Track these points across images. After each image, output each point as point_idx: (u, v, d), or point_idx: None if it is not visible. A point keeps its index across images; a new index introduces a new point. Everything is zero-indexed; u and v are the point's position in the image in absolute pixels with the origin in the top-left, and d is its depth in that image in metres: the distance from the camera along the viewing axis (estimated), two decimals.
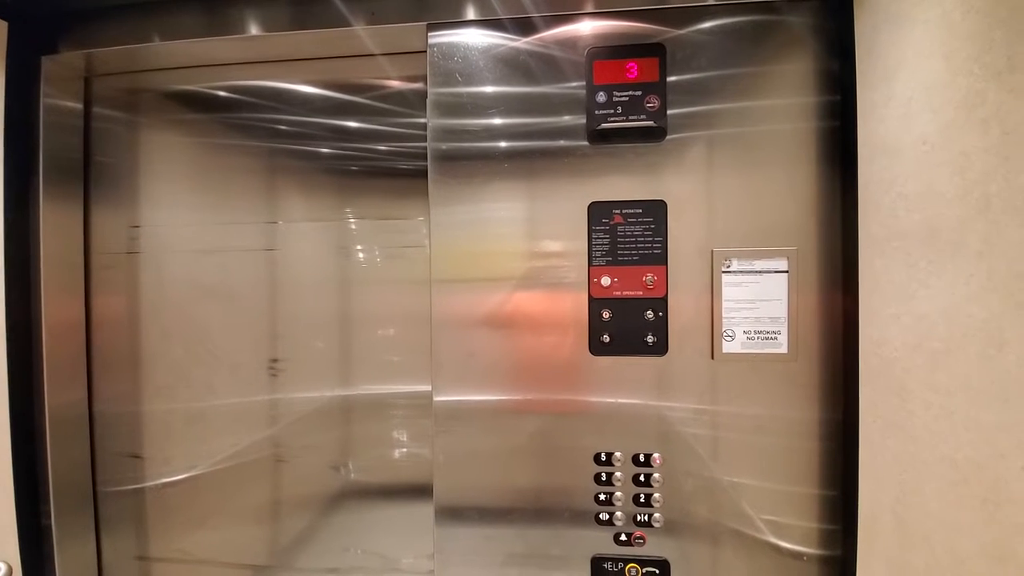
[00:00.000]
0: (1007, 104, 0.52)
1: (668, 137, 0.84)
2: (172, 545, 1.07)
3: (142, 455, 1.07)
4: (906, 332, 0.66)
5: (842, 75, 0.80)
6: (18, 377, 0.95)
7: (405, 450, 1.03)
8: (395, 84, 1.00)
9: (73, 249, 1.03)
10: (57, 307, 0.99)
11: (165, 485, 1.07)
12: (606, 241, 0.85)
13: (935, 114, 0.61)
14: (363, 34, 0.89)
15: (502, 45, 0.86)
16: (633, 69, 0.83)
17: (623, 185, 0.85)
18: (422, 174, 0.89)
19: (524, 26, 0.86)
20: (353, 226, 1.03)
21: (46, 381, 0.97)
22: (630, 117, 0.83)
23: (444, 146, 0.87)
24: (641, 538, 0.85)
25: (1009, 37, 0.52)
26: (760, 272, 0.82)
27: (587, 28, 0.85)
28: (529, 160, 0.86)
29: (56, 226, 0.99)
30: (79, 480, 1.05)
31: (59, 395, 1.00)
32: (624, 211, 0.85)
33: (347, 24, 0.87)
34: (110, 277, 1.06)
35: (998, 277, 0.53)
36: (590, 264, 0.85)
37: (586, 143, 0.85)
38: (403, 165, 1.01)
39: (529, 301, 0.87)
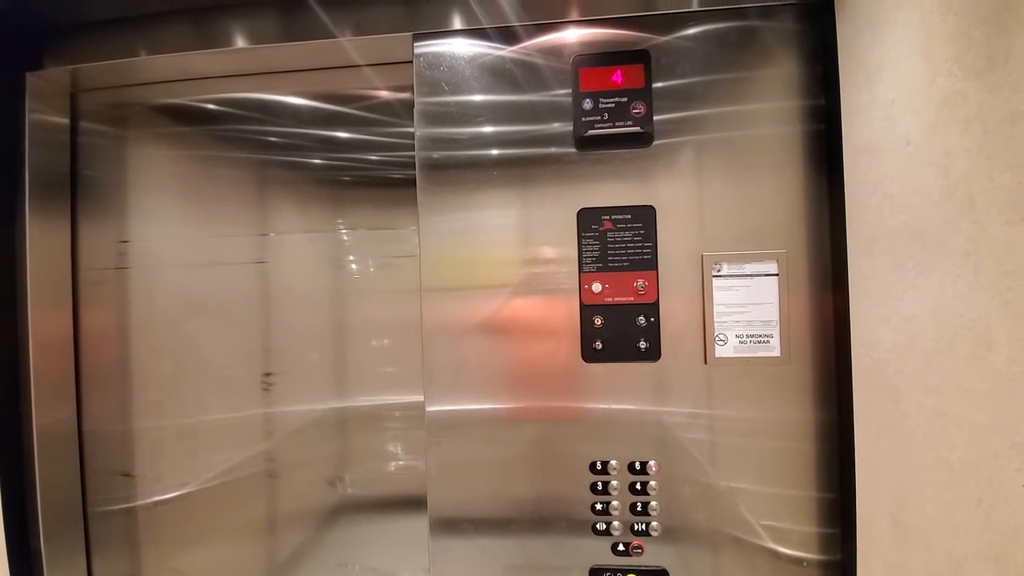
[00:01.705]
0: (988, 103, 0.52)
1: (655, 143, 0.84)
2: (166, 564, 1.06)
3: (133, 473, 1.06)
4: (896, 333, 0.66)
5: (825, 79, 0.81)
6: (5, 396, 0.94)
7: (401, 462, 1.02)
8: (383, 94, 1.00)
9: (60, 265, 1.03)
10: (45, 324, 0.98)
11: (157, 503, 1.05)
12: (596, 247, 0.85)
13: (917, 115, 0.62)
14: (349, 45, 0.89)
15: (488, 54, 0.86)
16: (618, 76, 0.84)
17: (612, 191, 0.85)
18: (413, 183, 0.89)
19: (510, 35, 0.86)
20: (345, 237, 1.03)
21: (34, 399, 0.95)
22: (617, 123, 0.84)
23: (433, 155, 0.87)
24: (639, 547, 0.84)
25: (988, 36, 0.52)
26: (750, 276, 0.82)
27: (572, 36, 0.85)
28: (517, 168, 0.86)
29: (43, 242, 0.98)
30: (69, 500, 1.03)
31: (47, 413, 0.98)
32: (613, 217, 0.85)
33: (333, 36, 0.88)
34: (99, 293, 1.05)
35: (985, 276, 0.53)
36: (580, 271, 0.85)
37: (574, 150, 0.85)
38: (394, 175, 1.01)
39: (520, 309, 0.87)
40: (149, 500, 1.06)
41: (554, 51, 0.85)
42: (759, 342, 0.82)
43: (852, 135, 0.74)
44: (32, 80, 0.96)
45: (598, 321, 0.85)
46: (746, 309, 0.82)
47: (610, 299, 0.84)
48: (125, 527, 1.06)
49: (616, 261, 0.84)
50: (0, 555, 0.92)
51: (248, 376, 1.03)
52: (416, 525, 0.99)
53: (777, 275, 0.81)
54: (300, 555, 1.04)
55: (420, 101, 0.87)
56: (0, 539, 0.92)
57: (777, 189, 0.82)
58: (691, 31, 0.83)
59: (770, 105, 0.82)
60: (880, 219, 0.68)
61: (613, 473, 0.85)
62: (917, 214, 0.62)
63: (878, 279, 0.69)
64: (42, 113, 0.99)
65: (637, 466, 0.84)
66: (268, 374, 1.03)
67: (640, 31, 0.84)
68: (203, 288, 1.04)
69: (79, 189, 1.05)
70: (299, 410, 1.03)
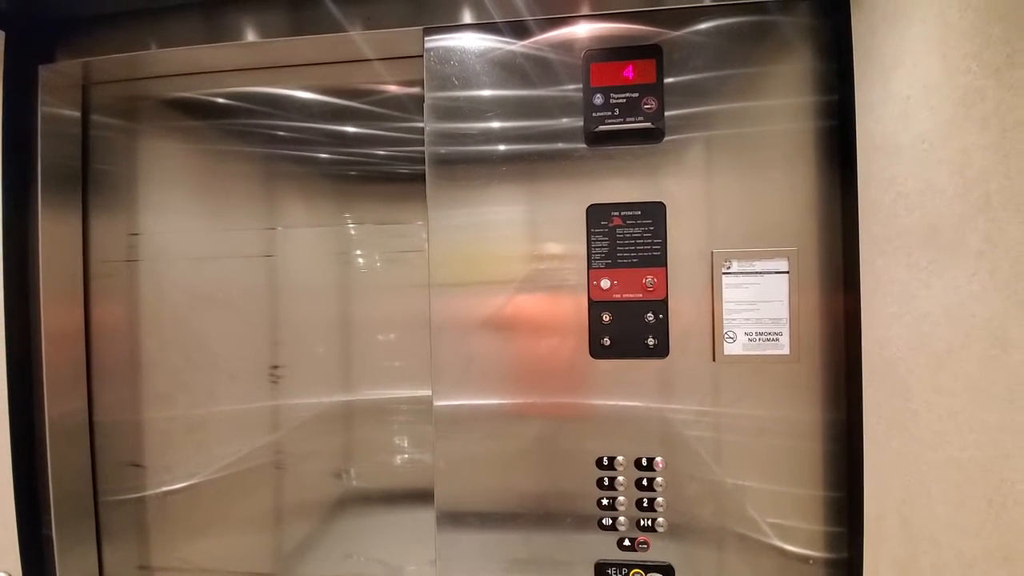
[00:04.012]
0: (1007, 101, 0.52)
1: (666, 139, 0.83)
2: (174, 554, 1.07)
3: (143, 464, 1.07)
4: (908, 332, 0.66)
5: (840, 75, 0.80)
6: (18, 386, 0.95)
7: (408, 455, 1.03)
8: (392, 89, 1.00)
9: (72, 257, 1.03)
10: (56, 316, 0.99)
11: (166, 493, 1.06)
12: (605, 243, 0.85)
13: (933, 112, 0.61)
14: (359, 39, 0.89)
15: (498, 49, 0.86)
16: (630, 71, 0.83)
17: (621, 187, 0.85)
18: (421, 178, 0.89)
19: (520, 29, 0.86)
20: (352, 231, 1.03)
21: (46, 390, 0.96)
22: (627, 119, 0.83)
23: (442, 150, 0.87)
24: (645, 543, 0.85)
25: (1008, 33, 0.52)
26: (761, 273, 0.81)
27: (583, 31, 0.85)
28: (527, 163, 0.86)
29: (55, 235, 0.99)
30: (80, 489, 1.04)
31: (59, 404, 0.99)
32: (623, 213, 0.84)
33: (343, 29, 0.87)
34: (109, 285, 1.06)
35: (1000, 276, 0.53)
36: (589, 267, 0.85)
37: (584, 145, 0.85)
38: (402, 169, 1.01)
39: (528, 304, 0.87)
40: (159, 490, 1.07)
41: (565, 45, 0.85)
42: (768, 340, 0.81)
43: (866, 132, 0.74)
44: (44, 73, 0.97)
45: (606, 317, 0.85)
46: (756, 307, 0.81)
47: (619, 295, 0.84)
48: (135, 516, 1.07)
49: (625, 257, 0.84)
50: (12, 542, 0.94)
51: (256, 369, 1.04)
52: (422, 518, 0.99)
53: (788, 273, 0.81)
54: (307, 546, 1.05)
55: (430, 96, 0.87)
56: (12, 527, 0.93)
57: (789, 186, 0.81)
58: (703, 26, 0.82)
59: (783, 101, 0.81)
60: (894, 217, 0.68)
61: (620, 469, 0.85)
62: (932, 212, 0.61)
63: (891, 277, 0.69)
64: (54, 106, 0.99)
65: (644, 462, 0.84)
66: (276, 367, 1.04)
67: (652, 25, 0.83)
68: (212, 281, 1.04)
69: (90, 182, 1.06)
70: (307, 403, 1.04)
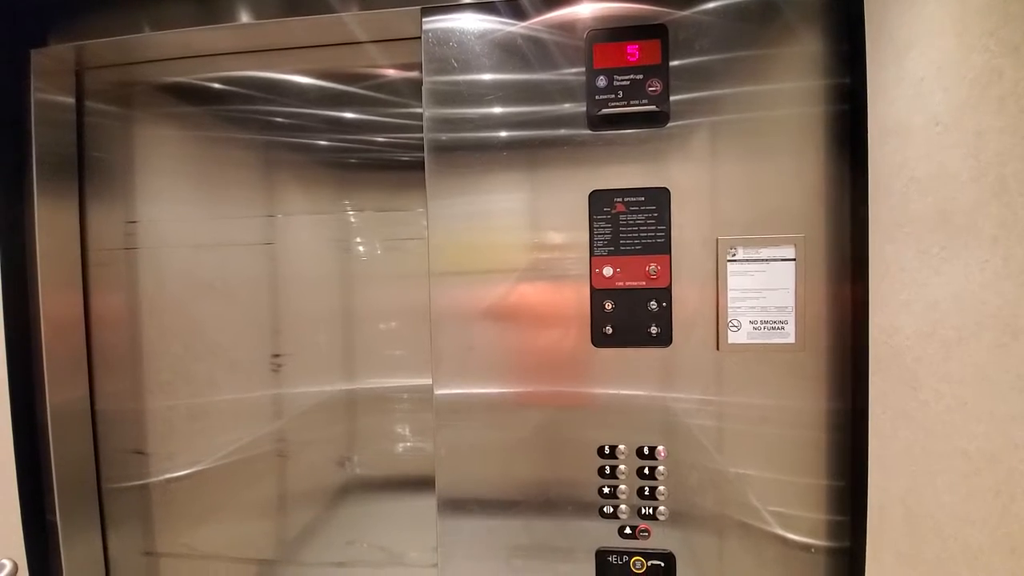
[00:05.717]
0: None
1: (671, 123, 0.81)
2: (178, 540, 1.08)
3: (146, 451, 1.07)
4: (917, 320, 0.64)
5: (851, 56, 0.77)
6: (19, 375, 0.95)
7: (409, 443, 1.03)
8: (391, 73, 0.98)
9: (70, 246, 1.03)
10: (55, 305, 0.99)
11: (170, 481, 1.07)
12: (608, 230, 0.83)
13: (947, 93, 0.59)
14: (355, 20, 0.87)
15: (499, 30, 0.84)
16: (634, 52, 0.81)
17: (625, 173, 0.83)
18: (421, 165, 0.87)
19: (522, 9, 0.83)
20: (352, 219, 1.02)
21: (47, 379, 0.96)
22: (631, 102, 0.81)
23: (441, 136, 0.86)
24: (646, 531, 0.85)
25: None
26: (766, 260, 0.80)
27: (587, 10, 0.82)
28: (528, 149, 0.84)
29: (52, 223, 0.98)
30: (83, 477, 1.05)
31: (60, 392, 0.99)
32: (626, 199, 0.83)
33: (339, 10, 0.85)
34: (108, 273, 1.06)
35: (1014, 263, 0.51)
36: (592, 254, 0.84)
37: (587, 130, 0.83)
38: (402, 156, 1.00)
39: (530, 293, 0.86)
40: (161, 477, 1.07)
41: (567, 26, 0.83)
42: (773, 328, 0.80)
43: (878, 115, 0.72)
44: (37, 57, 0.95)
45: (609, 306, 0.84)
46: (761, 295, 0.80)
47: (621, 283, 0.83)
48: (138, 503, 1.08)
49: (628, 245, 0.83)
50: (16, 530, 0.94)
51: (257, 357, 1.04)
52: (424, 505, 0.99)
53: (794, 260, 0.79)
54: (309, 533, 1.05)
55: (428, 80, 0.85)
56: (16, 514, 0.94)
57: (797, 171, 0.79)
58: (711, 5, 0.80)
59: (792, 84, 0.79)
60: (905, 202, 0.66)
61: (621, 457, 0.85)
62: (944, 197, 0.60)
63: (900, 264, 0.67)
64: (47, 92, 0.98)
65: (645, 451, 0.84)
66: (277, 355, 1.03)
67: (657, 5, 0.80)
68: (211, 269, 1.04)
69: (86, 170, 1.04)
70: (308, 391, 1.04)
